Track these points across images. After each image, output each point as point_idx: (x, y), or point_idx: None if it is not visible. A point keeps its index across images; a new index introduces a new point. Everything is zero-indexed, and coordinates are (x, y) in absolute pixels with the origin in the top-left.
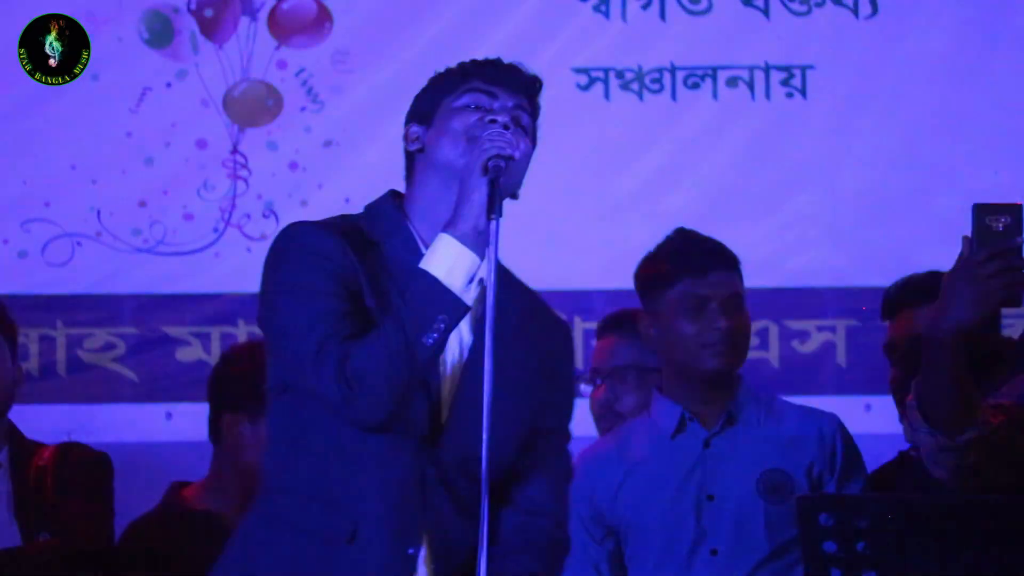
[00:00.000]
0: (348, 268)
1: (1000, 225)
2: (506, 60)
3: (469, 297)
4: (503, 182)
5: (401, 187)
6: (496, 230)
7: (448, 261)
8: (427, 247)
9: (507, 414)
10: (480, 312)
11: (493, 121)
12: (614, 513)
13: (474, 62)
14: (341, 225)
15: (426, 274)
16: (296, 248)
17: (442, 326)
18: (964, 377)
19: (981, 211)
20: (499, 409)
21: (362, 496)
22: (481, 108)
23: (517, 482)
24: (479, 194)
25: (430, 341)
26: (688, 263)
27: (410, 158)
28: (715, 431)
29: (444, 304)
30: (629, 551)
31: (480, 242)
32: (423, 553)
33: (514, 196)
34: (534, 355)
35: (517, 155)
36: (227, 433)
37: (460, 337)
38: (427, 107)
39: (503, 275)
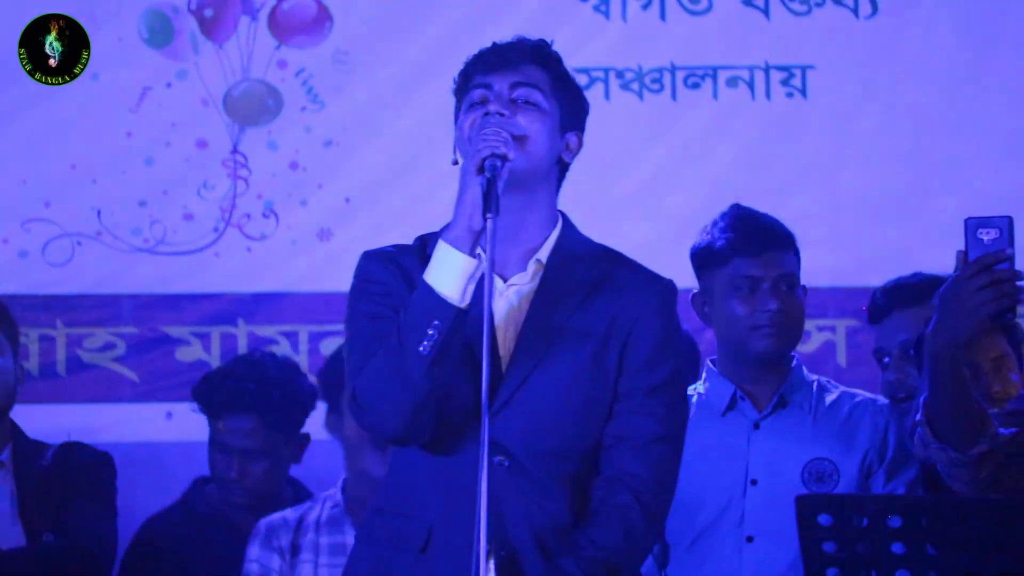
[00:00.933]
0: (394, 286)
1: (989, 238)
2: (460, 40)
3: (465, 298)
4: (505, 175)
5: (402, 187)
6: (493, 229)
7: (442, 267)
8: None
9: (568, 392)
10: (531, 292)
11: (487, 114)
12: None
13: (473, 57)
14: (408, 246)
15: (422, 283)
16: (353, 280)
17: (435, 332)
18: (967, 391)
19: (972, 224)
20: (554, 383)
21: (431, 503)
22: (483, 103)
23: (604, 449)
24: (472, 194)
25: (425, 350)
26: (741, 242)
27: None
28: (766, 413)
29: (435, 310)
30: (670, 525)
31: (477, 241)
32: (480, 548)
33: (565, 163)
34: (610, 325)
35: (512, 155)
36: None
37: (511, 311)
38: (455, 116)
39: (572, 251)
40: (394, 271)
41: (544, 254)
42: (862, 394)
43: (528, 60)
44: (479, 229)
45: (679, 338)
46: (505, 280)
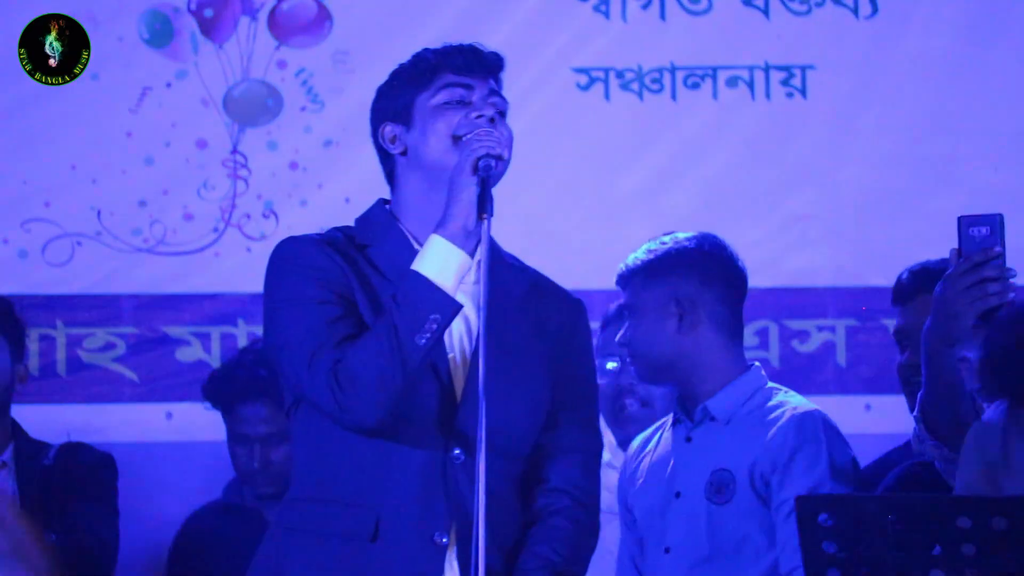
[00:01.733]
0: (337, 274)
1: (980, 235)
2: (461, 40)
3: (461, 295)
4: (493, 176)
5: None
6: (487, 229)
7: (439, 261)
8: (420, 247)
9: (518, 391)
10: (477, 293)
11: (480, 116)
12: (626, 500)
13: (437, 52)
14: (332, 235)
15: (418, 275)
16: (285, 263)
17: (435, 326)
18: (961, 390)
19: (964, 223)
20: (509, 387)
21: (382, 493)
22: (462, 103)
23: (543, 459)
24: (468, 193)
25: (423, 341)
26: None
27: (390, 159)
28: (693, 426)
29: (436, 304)
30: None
31: (470, 241)
32: (449, 541)
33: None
34: (543, 333)
35: (507, 154)
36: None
37: (467, 321)
38: (401, 105)
39: (503, 259)
40: (333, 257)
41: (481, 257)
42: (803, 406)
43: (496, 69)
44: (473, 228)
45: (592, 352)
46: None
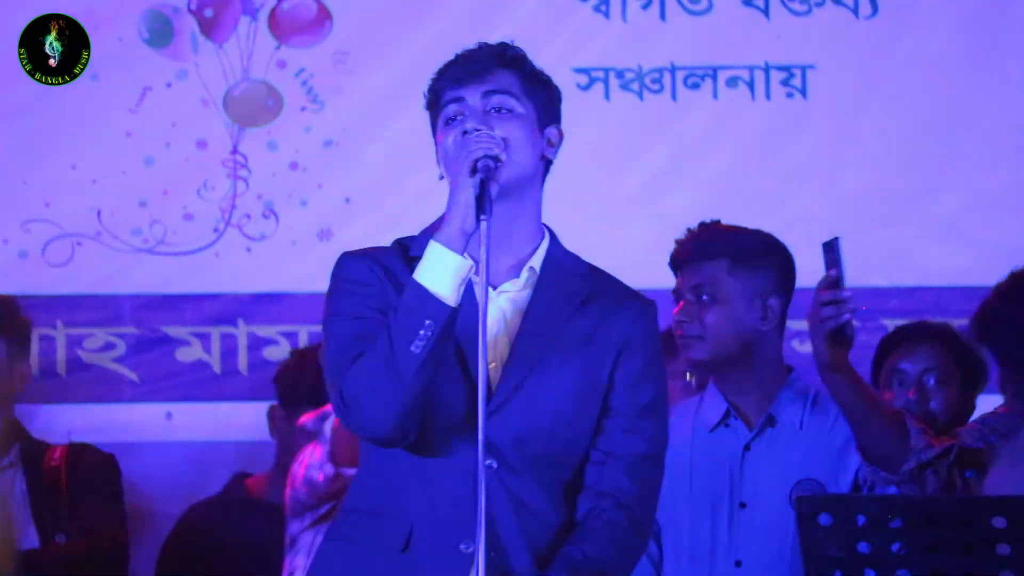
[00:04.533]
0: (377, 288)
1: (826, 262)
2: (460, 40)
3: (457, 299)
4: (499, 176)
5: (402, 187)
6: (487, 230)
7: (434, 267)
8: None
9: (555, 400)
10: (524, 299)
11: (465, 132)
12: None
13: (439, 71)
14: (389, 248)
15: (413, 283)
16: (333, 280)
17: (428, 332)
18: (869, 411)
19: (823, 248)
20: (545, 395)
21: (416, 503)
22: (456, 118)
23: (589, 465)
24: (465, 195)
25: (417, 350)
26: (671, 260)
27: None
28: (755, 433)
29: (428, 310)
30: (663, 548)
31: (469, 243)
32: (480, 551)
33: (545, 158)
34: (599, 339)
35: (504, 155)
36: (285, 429)
37: (504, 318)
38: (433, 130)
39: (562, 264)
40: (378, 272)
41: (537, 262)
42: None
43: (496, 66)
44: (472, 231)
45: (662, 360)
46: (495, 288)
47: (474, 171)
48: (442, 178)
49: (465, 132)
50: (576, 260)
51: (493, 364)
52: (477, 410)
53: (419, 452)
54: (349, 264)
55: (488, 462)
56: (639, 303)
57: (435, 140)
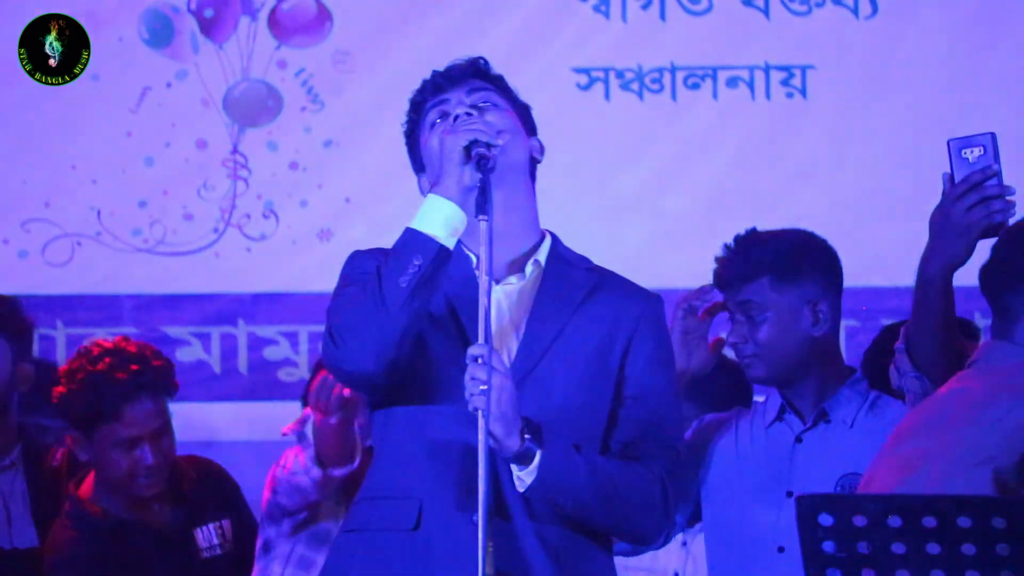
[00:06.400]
0: (374, 275)
1: (974, 156)
2: (460, 42)
3: (449, 242)
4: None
5: (402, 187)
6: (489, 230)
7: (428, 213)
8: (469, 253)
9: (568, 382)
10: (528, 292)
11: (456, 118)
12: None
13: (418, 88)
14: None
15: (406, 229)
16: (342, 270)
17: (416, 266)
18: (953, 320)
19: (955, 145)
20: (559, 378)
21: (424, 483)
22: (442, 118)
23: (611, 455)
24: (457, 155)
25: (404, 283)
26: (717, 277)
27: None
28: (808, 426)
29: (417, 247)
30: (709, 534)
31: (467, 198)
32: (480, 550)
33: (536, 160)
34: (604, 332)
35: (499, 141)
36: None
37: (508, 310)
38: (415, 152)
39: (567, 259)
40: (378, 259)
41: (543, 256)
42: None
43: (472, 76)
44: (469, 185)
45: (671, 351)
46: (498, 282)
47: (468, 153)
48: (428, 190)
49: (455, 119)
50: (580, 257)
51: (504, 355)
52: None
53: (431, 435)
54: (356, 257)
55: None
56: (646, 295)
57: (415, 155)
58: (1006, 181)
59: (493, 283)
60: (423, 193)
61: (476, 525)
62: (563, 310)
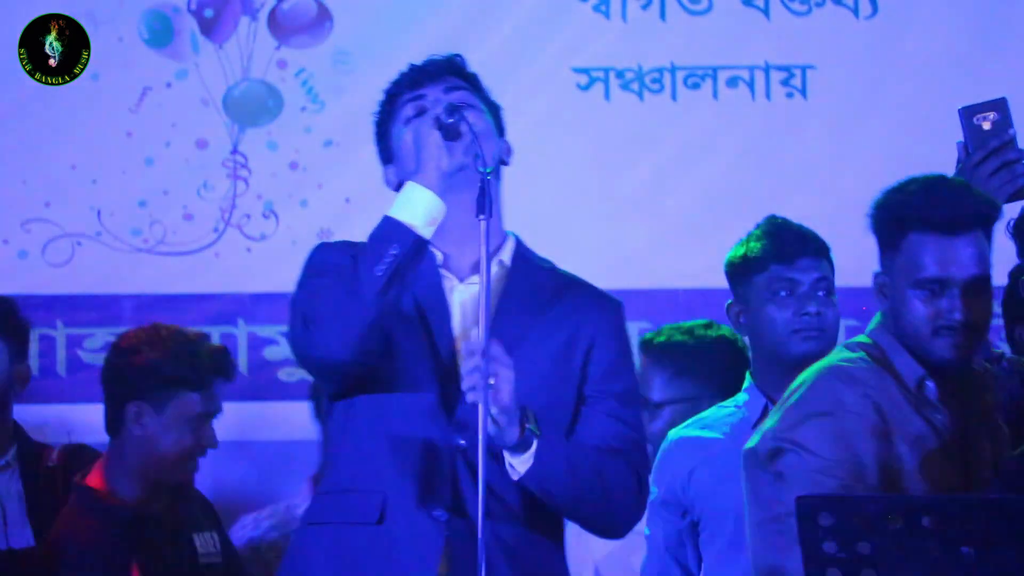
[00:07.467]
0: (348, 268)
1: (988, 123)
2: (459, 42)
3: (426, 232)
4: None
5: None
6: (486, 230)
7: (405, 202)
8: (435, 249)
9: (532, 381)
10: (500, 289)
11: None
12: (687, 496)
13: (393, 81)
14: (360, 244)
15: (384, 217)
16: (305, 267)
17: (392, 255)
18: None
19: (968, 113)
20: (523, 377)
21: (388, 478)
22: (418, 114)
23: None
24: (433, 138)
25: (380, 271)
26: (778, 248)
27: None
28: None
29: (394, 236)
30: (704, 535)
31: (447, 185)
32: (449, 517)
33: (503, 162)
34: (567, 332)
35: (470, 114)
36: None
37: (473, 309)
38: (384, 143)
39: (532, 261)
40: (348, 257)
41: (507, 256)
42: None
43: (451, 73)
44: (447, 170)
45: (631, 353)
46: (461, 280)
47: (439, 124)
48: (397, 187)
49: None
50: (542, 259)
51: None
52: (450, 394)
53: (396, 431)
54: (321, 250)
55: (461, 442)
56: (607, 300)
57: (385, 145)
58: None
59: (458, 282)
60: (388, 184)
61: (436, 521)
62: (528, 311)
